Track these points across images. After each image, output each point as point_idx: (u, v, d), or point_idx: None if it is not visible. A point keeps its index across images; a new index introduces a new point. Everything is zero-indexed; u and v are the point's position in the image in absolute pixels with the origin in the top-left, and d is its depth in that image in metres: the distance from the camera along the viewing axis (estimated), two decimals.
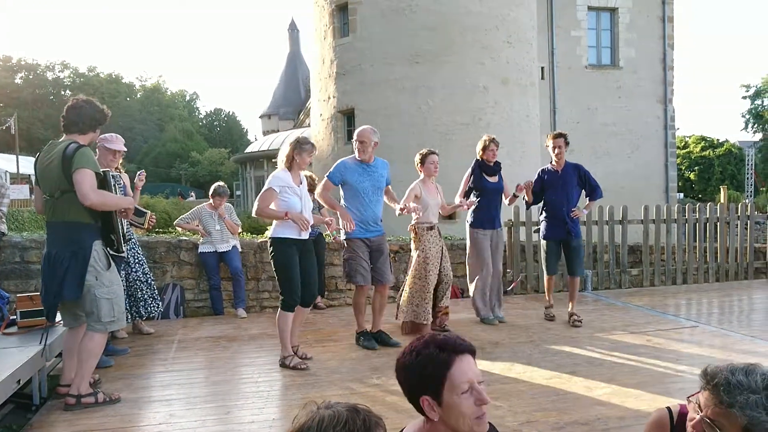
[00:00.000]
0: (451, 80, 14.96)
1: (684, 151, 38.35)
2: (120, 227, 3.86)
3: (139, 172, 5.43)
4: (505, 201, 6.01)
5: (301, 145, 4.44)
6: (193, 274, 6.79)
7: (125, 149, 4.83)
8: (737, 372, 1.61)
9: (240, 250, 6.70)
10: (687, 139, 40.43)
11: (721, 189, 22.58)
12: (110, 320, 3.68)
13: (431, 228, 5.51)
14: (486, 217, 5.86)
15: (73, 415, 3.57)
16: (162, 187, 42.15)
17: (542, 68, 19.10)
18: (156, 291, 5.58)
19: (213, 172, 51.49)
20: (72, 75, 60.01)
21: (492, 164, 5.87)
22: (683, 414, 1.89)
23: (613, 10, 20.37)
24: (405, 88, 15.08)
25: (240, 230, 6.88)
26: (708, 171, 37.87)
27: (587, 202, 6.10)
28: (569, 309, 5.95)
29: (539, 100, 17.48)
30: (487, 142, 5.86)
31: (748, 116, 48.89)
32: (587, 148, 19.15)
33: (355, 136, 5.11)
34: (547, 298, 6.18)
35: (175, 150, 57.26)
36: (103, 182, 3.71)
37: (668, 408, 1.98)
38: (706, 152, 38.42)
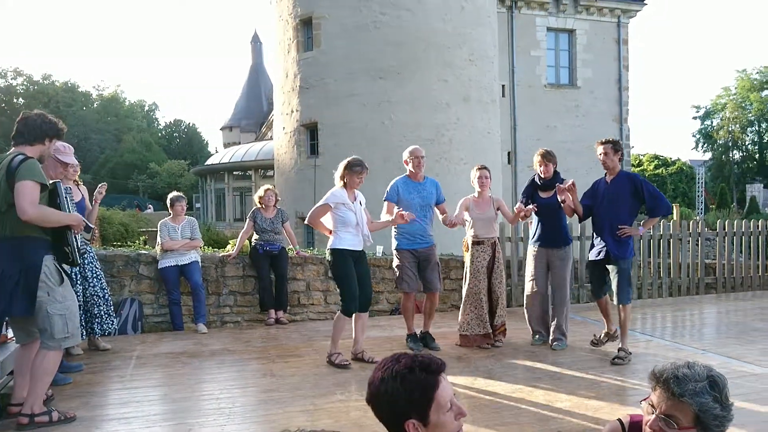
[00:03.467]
0: (414, 96, 15.12)
1: (638, 168, 39.63)
2: (74, 240, 3.74)
3: (99, 185, 5.35)
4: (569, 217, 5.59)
5: (351, 167, 4.95)
6: (152, 288, 6.66)
7: (77, 162, 4.69)
8: (681, 367, 1.80)
9: (201, 264, 6.60)
10: (641, 157, 41.79)
11: (674, 206, 23.35)
12: (64, 337, 3.57)
13: (478, 243, 5.60)
14: (538, 234, 5.65)
15: None
16: (119, 198, 41.01)
17: (503, 86, 19.51)
18: (112, 307, 5.44)
19: (172, 183, 50.54)
20: (25, 82, 58.17)
21: (548, 179, 5.52)
22: (634, 423, 1.98)
23: (571, 32, 21.00)
24: (368, 103, 15.16)
25: (202, 244, 6.80)
26: (661, 188, 39.14)
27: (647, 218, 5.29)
28: (617, 342, 5.25)
29: (500, 118, 17.82)
30: (539, 158, 5.57)
31: (698, 136, 50.86)
32: None
33: (410, 154, 5.48)
34: (605, 323, 5.48)
35: (133, 161, 56.00)
36: (53, 194, 3.61)
37: (619, 420, 2.06)
38: (660, 170, 39.81)
